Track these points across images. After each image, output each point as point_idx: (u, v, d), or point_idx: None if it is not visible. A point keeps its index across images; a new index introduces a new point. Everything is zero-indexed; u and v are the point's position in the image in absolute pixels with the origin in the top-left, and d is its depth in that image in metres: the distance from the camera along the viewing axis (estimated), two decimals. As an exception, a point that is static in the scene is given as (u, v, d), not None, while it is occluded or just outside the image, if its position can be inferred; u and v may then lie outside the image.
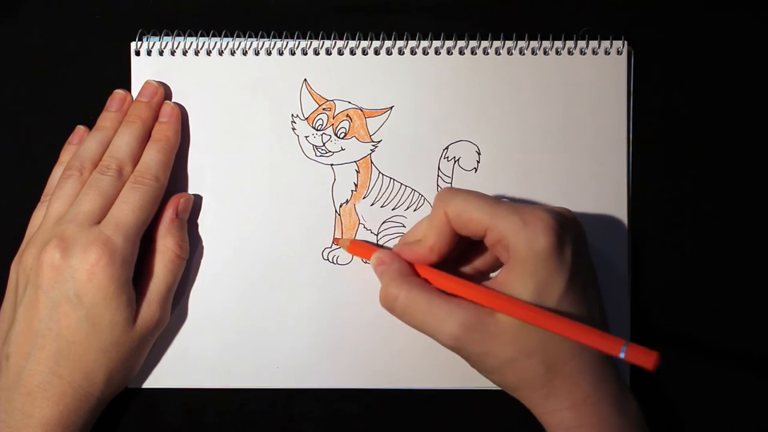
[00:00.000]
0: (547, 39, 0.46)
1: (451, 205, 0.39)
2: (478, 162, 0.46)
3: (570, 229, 0.38)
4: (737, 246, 0.47)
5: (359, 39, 0.46)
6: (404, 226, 0.46)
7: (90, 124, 0.47)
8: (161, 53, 0.47)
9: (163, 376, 0.46)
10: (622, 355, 0.33)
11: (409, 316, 0.39)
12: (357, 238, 0.46)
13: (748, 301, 0.46)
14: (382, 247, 0.46)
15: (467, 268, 0.42)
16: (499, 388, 0.45)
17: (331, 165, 0.46)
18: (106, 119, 0.46)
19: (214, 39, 0.47)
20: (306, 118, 0.46)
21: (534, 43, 0.46)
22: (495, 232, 0.37)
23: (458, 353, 0.38)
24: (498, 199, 0.39)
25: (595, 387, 0.37)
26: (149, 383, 0.46)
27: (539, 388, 0.38)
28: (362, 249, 0.44)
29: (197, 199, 0.46)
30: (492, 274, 0.42)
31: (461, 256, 0.42)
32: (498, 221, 0.37)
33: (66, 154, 0.46)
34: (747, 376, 0.46)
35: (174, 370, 0.46)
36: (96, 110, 0.47)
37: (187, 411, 0.47)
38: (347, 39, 0.46)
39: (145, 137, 0.45)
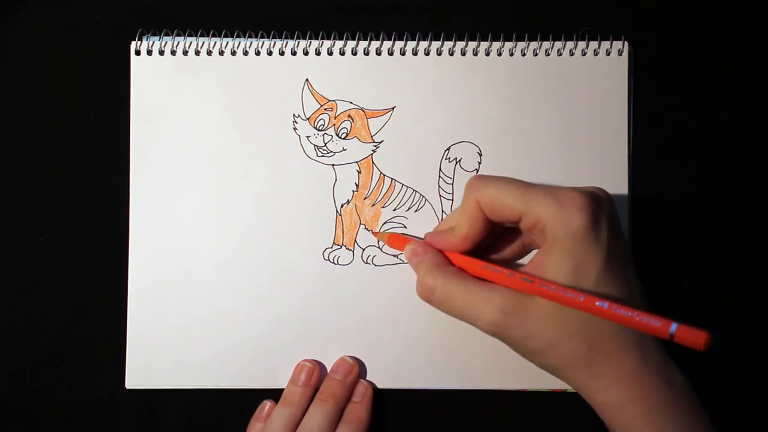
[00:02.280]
0: (548, 39, 0.46)
1: (484, 193, 0.38)
2: (480, 163, 0.46)
3: (605, 208, 0.38)
4: (738, 245, 0.47)
5: (359, 39, 0.46)
6: (405, 227, 0.46)
7: (90, 124, 0.47)
8: (161, 53, 0.47)
9: (163, 376, 0.46)
10: (670, 337, 0.33)
11: (448, 306, 0.39)
12: (357, 238, 0.46)
13: (749, 299, 0.47)
14: (415, 238, 0.45)
15: (500, 254, 0.42)
16: (498, 389, 0.46)
17: (333, 165, 0.46)
18: (294, 394, 0.45)
19: (214, 39, 0.47)
20: (307, 118, 0.46)
21: (534, 44, 0.46)
22: (531, 217, 0.37)
23: (499, 338, 0.38)
24: (529, 183, 0.38)
25: (640, 361, 0.37)
26: (149, 383, 0.46)
27: (583, 368, 0.37)
28: (399, 242, 0.44)
29: (197, 199, 0.46)
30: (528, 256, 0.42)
31: (494, 242, 0.42)
32: (533, 206, 0.37)
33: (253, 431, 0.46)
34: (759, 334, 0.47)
35: (174, 370, 0.46)
36: (96, 110, 0.47)
37: (187, 411, 0.47)
38: (347, 39, 0.46)
39: (337, 418, 0.45)
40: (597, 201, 0.37)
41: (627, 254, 0.39)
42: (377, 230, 0.46)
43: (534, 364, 0.39)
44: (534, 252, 0.41)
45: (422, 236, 0.43)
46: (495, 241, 0.42)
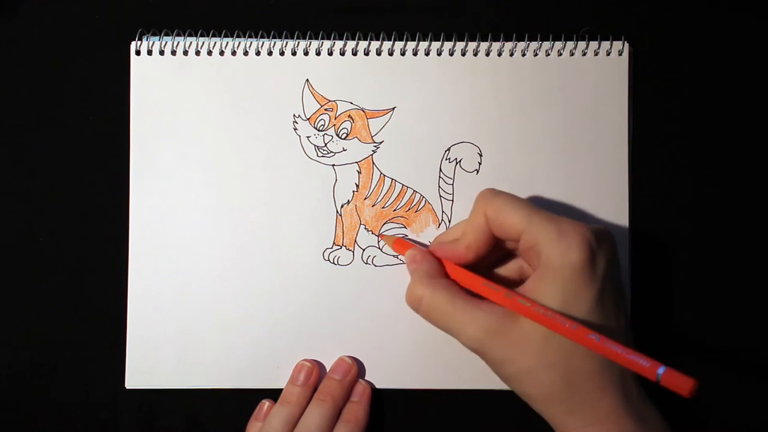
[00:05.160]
0: (548, 40, 0.46)
1: (491, 204, 0.39)
2: (480, 163, 0.46)
3: (604, 245, 0.37)
4: (738, 247, 0.47)
5: (358, 39, 0.46)
6: (405, 227, 0.46)
7: (89, 124, 0.47)
8: (161, 53, 0.47)
9: (163, 376, 0.46)
10: (657, 379, 0.32)
11: (433, 318, 0.39)
12: (358, 238, 0.46)
13: (750, 302, 0.47)
14: (421, 244, 0.45)
15: (496, 276, 0.42)
16: (495, 389, 0.46)
17: (333, 165, 0.46)
18: (292, 394, 0.45)
19: (214, 39, 0.47)
20: (308, 119, 0.46)
21: (534, 44, 0.46)
22: (529, 237, 0.37)
23: (480, 356, 0.38)
24: (538, 207, 0.38)
25: (619, 402, 0.37)
26: (149, 383, 0.46)
27: (559, 403, 0.37)
28: (403, 246, 0.44)
29: (197, 199, 0.46)
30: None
31: (491, 266, 0.42)
32: (534, 227, 0.37)
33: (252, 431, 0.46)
34: (752, 375, 0.47)
35: (174, 371, 0.46)
36: (96, 110, 0.47)
37: (187, 411, 0.47)
38: (347, 39, 0.46)
39: (335, 418, 0.45)
40: (598, 238, 0.37)
41: (620, 293, 0.39)
42: (378, 231, 0.46)
43: (512, 390, 0.39)
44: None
45: (428, 242, 0.43)
46: (495, 264, 0.42)
